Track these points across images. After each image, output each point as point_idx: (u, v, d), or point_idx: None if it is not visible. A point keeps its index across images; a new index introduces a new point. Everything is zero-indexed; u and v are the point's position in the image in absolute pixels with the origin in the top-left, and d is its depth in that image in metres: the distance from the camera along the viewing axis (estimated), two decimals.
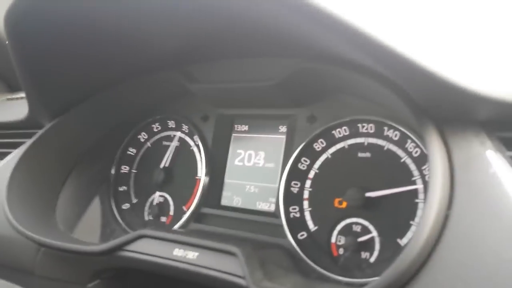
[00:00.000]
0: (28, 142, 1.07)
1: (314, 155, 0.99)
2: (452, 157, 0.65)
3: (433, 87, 0.61)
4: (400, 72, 0.64)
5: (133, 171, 1.25)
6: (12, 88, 1.75)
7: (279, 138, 1.07)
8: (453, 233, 0.60)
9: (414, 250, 0.59)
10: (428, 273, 0.59)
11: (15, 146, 1.16)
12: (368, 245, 0.89)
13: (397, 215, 0.87)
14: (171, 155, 1.19)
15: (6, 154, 1.18)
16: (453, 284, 0.57)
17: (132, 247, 0.90)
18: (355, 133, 0.95)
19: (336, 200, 0.95)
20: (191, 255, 0.84)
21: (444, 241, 0.60)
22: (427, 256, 0.60)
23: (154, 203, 1.18)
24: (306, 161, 1.00)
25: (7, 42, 0.95)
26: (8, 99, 1.37)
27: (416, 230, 0.60)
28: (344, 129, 0.97)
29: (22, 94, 1.22)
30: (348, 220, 0.92)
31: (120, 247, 0.91)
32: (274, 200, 1.03)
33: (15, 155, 1.13)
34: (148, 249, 0.89)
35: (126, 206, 1.22)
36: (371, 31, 0.58)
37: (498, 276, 0.56)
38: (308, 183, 0.99)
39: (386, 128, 0.92)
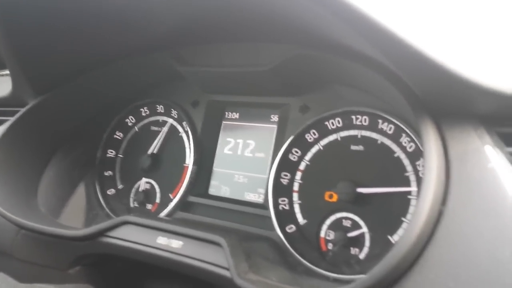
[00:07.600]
0: (10, 120, 1.03)
1: (305, 146, 0.96)
2: (449, 151, 0.62)
3: (434, 76, 0.58)
4: (401, 61, 0.61)
5: (119, 155, 1.21)
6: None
7: (270, 128, 1.04)
8: (446, 230, 0.57)
9: (405, 247, 0.56)
10: (419, 271, 0.57)
11: None
12: (358, 241, 0.87)
13: (388, 211, 0.85)
14: (160, 141, 1.15)
15: None
16: (445, 283, 0.54)
17: (114, 233, 0.88)
18: (348, 125, 0.93)
19: (327, 194, 0.92)
20: (175, 243, 0.82)
21: (437, 238, 0.57)
22: (418, 253, 0.57)
23: (140, 189, 1.15)
24: (297, 152, 0.97)
25: None
26: None
27: (408, 226, 0.57)
28: (338, 121, 0.94)
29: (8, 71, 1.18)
30: (338, 215, 0.90)
31: (103, 232, 0.89)
32: (263, 191, 1.01)
33: None
34: (131, 236, 0.86)
35: (111, 191, 1.19)
36: (376, 16, 0.55)
37: (491, 276, 0.53)
38: (298, 175, 0.97)
39: (380, 121, 0.89)
